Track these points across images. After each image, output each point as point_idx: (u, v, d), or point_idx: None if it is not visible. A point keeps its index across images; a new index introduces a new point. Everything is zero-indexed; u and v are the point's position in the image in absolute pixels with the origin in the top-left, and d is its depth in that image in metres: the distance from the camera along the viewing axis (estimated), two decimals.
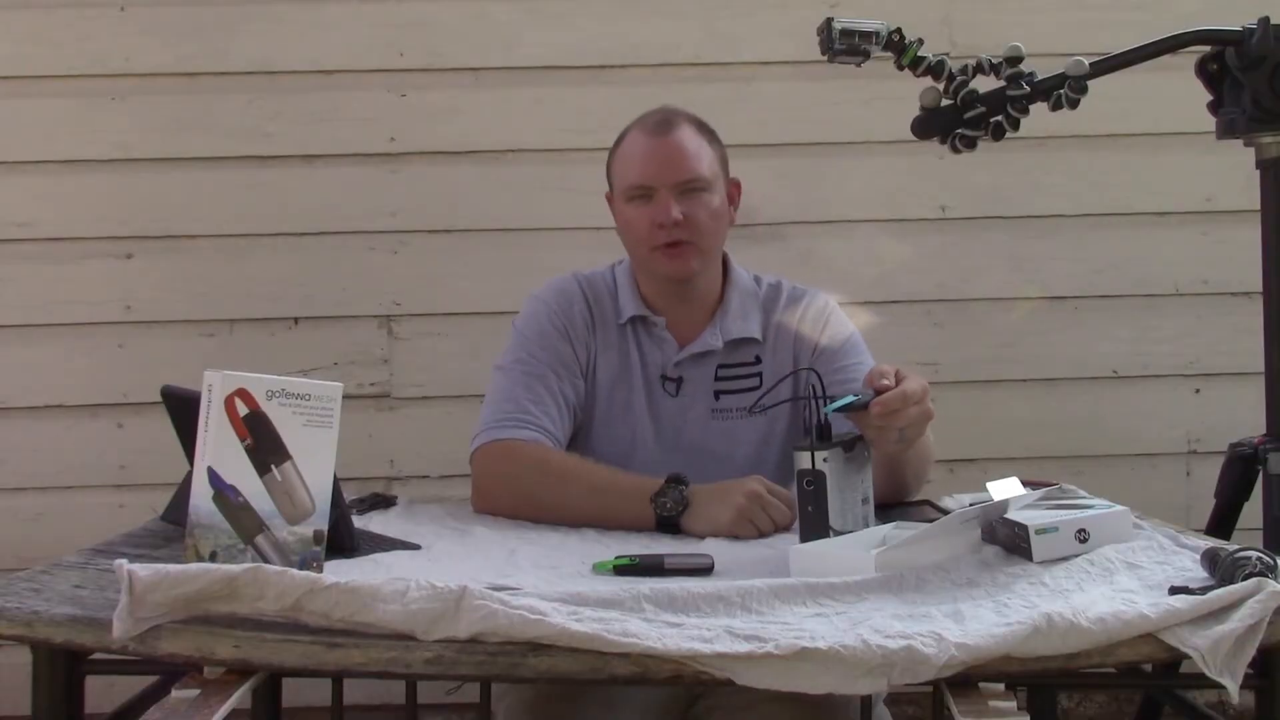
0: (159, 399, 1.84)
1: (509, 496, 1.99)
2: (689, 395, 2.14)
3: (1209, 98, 1.98)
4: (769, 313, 2.19)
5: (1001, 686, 1.30)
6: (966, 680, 1.28)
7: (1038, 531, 1.51)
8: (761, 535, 1.82)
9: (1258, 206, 1.96)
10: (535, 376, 2.09)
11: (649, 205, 2.07)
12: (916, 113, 1.93)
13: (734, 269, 2.21)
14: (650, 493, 1.88)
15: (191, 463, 1.46)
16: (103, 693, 1.46)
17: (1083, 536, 1.54)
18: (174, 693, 1.30)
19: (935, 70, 1.91)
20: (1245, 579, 1.32)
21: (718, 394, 2.14)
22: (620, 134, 2.17)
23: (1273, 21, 1.88)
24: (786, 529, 1.82)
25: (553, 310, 2.15)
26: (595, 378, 2.14)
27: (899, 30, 1.89)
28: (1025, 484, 1.66)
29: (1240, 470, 2.01)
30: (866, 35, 1.87)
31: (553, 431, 2.05)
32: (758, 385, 2.14)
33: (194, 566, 1.31)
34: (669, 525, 1.86)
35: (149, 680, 1.50)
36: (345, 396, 1.50)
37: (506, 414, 2.05)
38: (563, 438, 2.08)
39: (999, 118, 1.92)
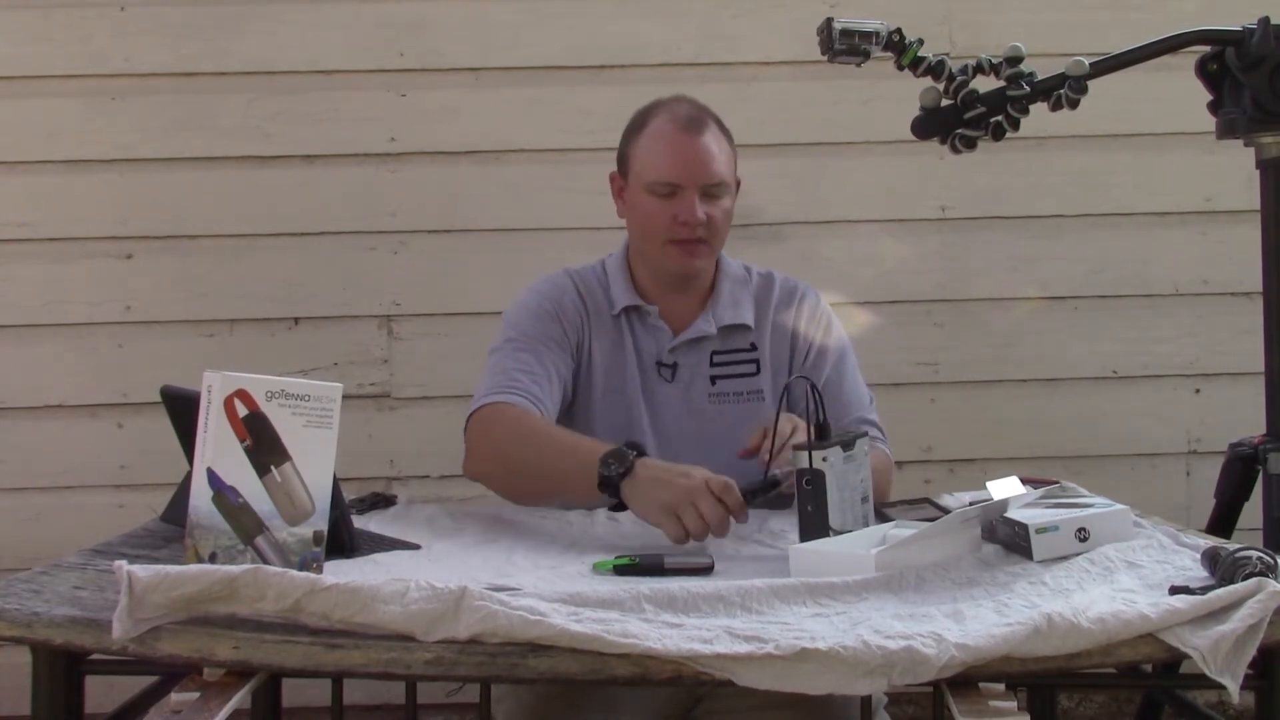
0: (159, 399, 1.84)
1: (491, 460, 2.01)
2: (685, 381, 2.16)
3: (1209, 98, 1.98)
4: (761, 302, 2.21)
5: (1002, 686, 1.30)
6: (967, 680, 1.28)
7: (1038, 530, 1.51)
8: (688, 537, 1.69)
9: (1258, 206, 1.96)
10: (525, 350, 2.10)
11: (673, 201, 2.09)
12: (916, 113, 1.93)
13: (723, 258, 2.23)
14: (597, 451, 1.82)
15: (191, 463, 1.46)
16: (103, 693, 1.46)
17: (1083, 535, 1.54)
18: (173, 695, 1.30)
19: (935, 70, 1.91)
20: (1245, 579, 1.32)
21: (714, 379, 2.15)
22: (640, 115, 2.17)
23: (1273, 21, 1.88)
24: (719, 535, 1.69)
25: (543, 295, 2.18)
26: (590, 364, 2.16)
27: (899, 30, 1.89)
28: (1025, 482, 1.66)
29: (1240, 470, 2.01)
30: (866, 35, 1.87)
31: (540, 398, 2.05)
32: (755, 371, 2.16)
33: (193, 567, 1.31)
34: (611, 488, 1.78)
35: (149, 680, 1.50)
36: (345, 396, 1.50)
37: (497, 384, 2.06)
38: (552, 405, 2.08)
39: (999, 118, 1.92)
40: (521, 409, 2.01)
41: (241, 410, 1.42)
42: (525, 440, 1.97)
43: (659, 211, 2.10)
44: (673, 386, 2.16)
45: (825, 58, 1.91)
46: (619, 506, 1.83)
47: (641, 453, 1.80)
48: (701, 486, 1.69)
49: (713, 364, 2.16)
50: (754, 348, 2.18)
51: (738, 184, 2.19)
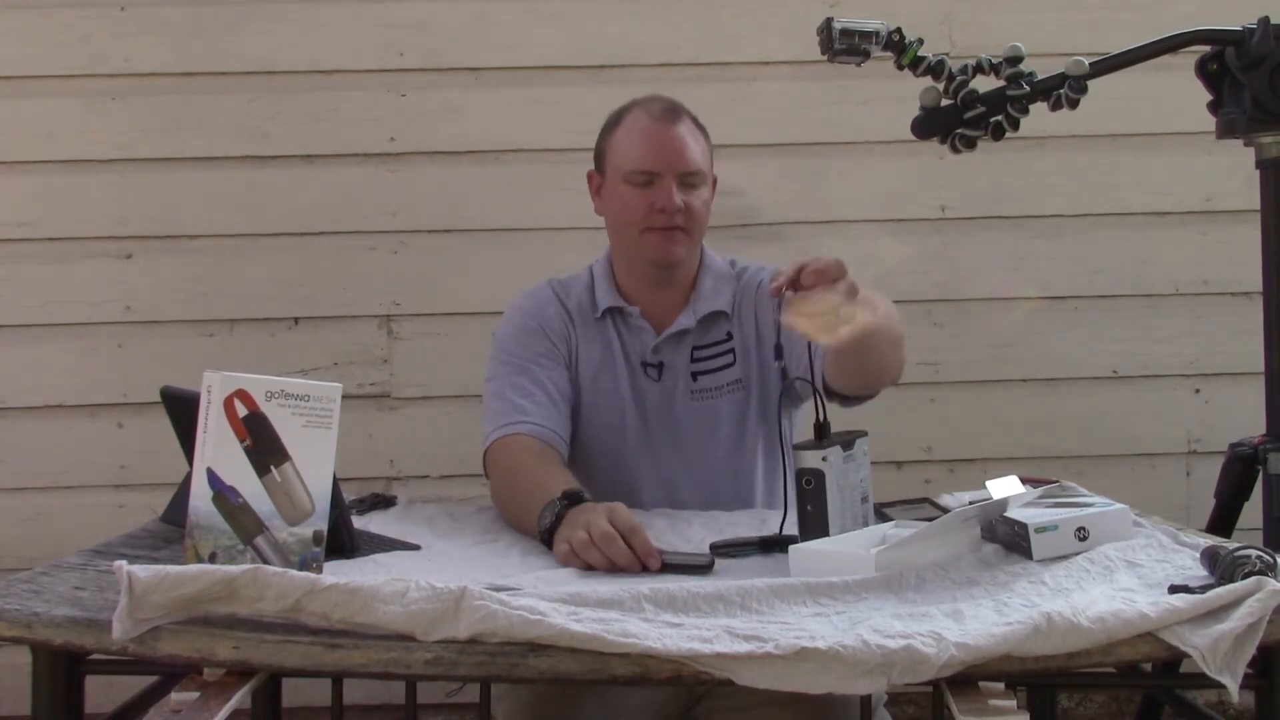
0: (159, 399, 1.84)
1: (497, 501, 2.03)
2: (670, 379, 2.16)
3: (1209, 98, 1.98)
4: (738, 290, 2.20)
5: (1001, 686, 1.30)
6: (967, 680, 1.28)
7: (1037, 530, 1.51)
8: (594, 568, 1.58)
9: (1258, 206, 1.96)
10: (519, 372, 2.11)
11: (650, 190, 2.09)
12: (916, 113, 1.93)
13: (708, 253, 2.23)
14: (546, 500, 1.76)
15: (191, 463, 1.46)
16: (103, 693, 1.46)
17: (1082, 534, 1.54)
18: (173, 695, 1.30)
19: (935, 70, 1.91)
20: (1245, 577, 1.32)
21: (695, 375, 2.15)
22: (615, 114, 2.18)
23: (1273, 21, 1.88)
24: (626, 569, 1.57)
25: (526, 312, 2.18)
26: (578, 370, 2.16)
27: (899, 30, 1.89)
28: (1025, 482, 1.66)
29: (1240, 470, 2.01)
30: (866, 35, 1.87)
31: (543, 419, 2.05)
32: (732, 362, 2.16)
33: (193, 568, 1.31)
34: (548, 544, 1.71)
35: (149, 680, 1.50)
36: (345, 396, 1.50)
37: (501, 415, 2.06)
38: (560, 423, 2.08)
39: (999, 118, 1.92)
40: (528, 439, 2.01)
41: (241, 410, 1.42)
42: (510, 483, 1.96)
43: (637, 201, 2.10)
44: (659, 386, 2.16)
45: (825, 58, 1.91)
46: None
47: (575, 501, 1.72)
48: (611, 533, 1.58)
49: (693, 359, 2.16)
50: (730, 337, 2.17)
51: (714, 181, 2.19)
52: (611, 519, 1.60)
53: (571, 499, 1.72)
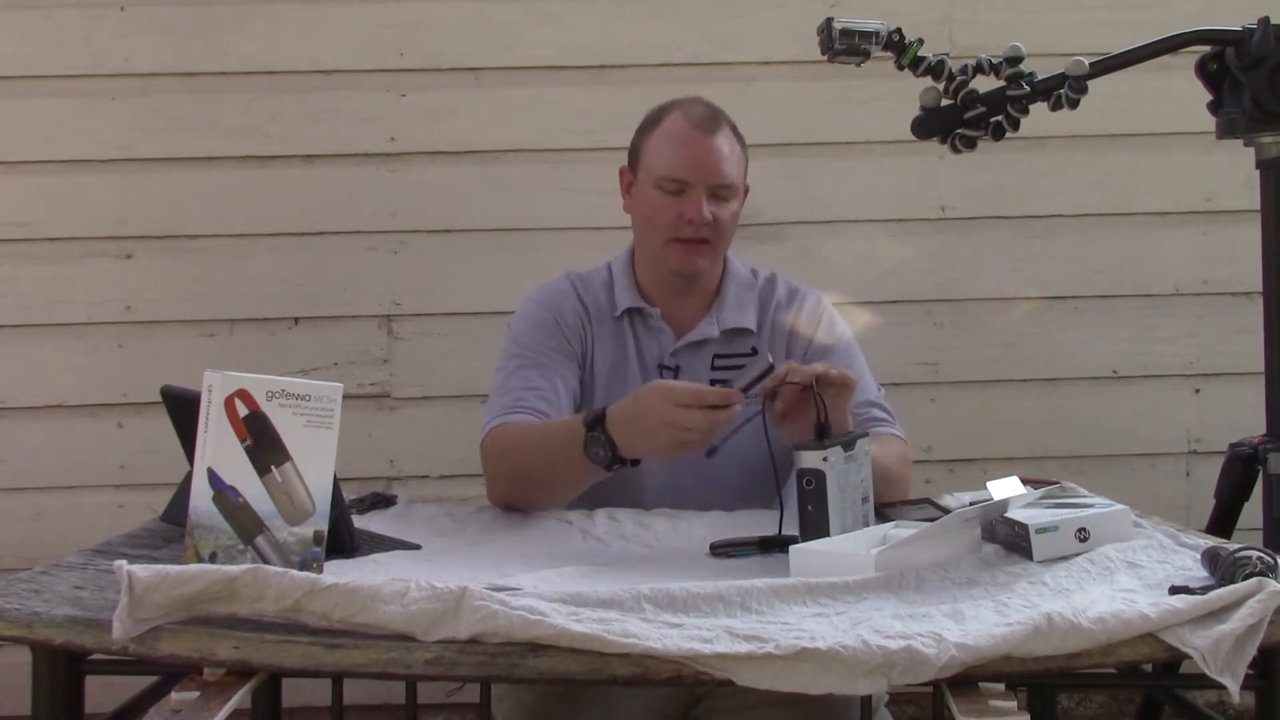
0: (159, 399, 1.84)
1: (503, 483, 2.01)
2: None
3: (1209, 98, 1.98)
4: (765, 305, 2.21)
5: (1002, 686, 1.30)
6: (967, 680, 1.28)
7: (1038, 530, 1.51)
8: (702, 446, 1.72)
9: (1258, 206, 1.96)
10: (528, 364, 2.10)
11: (680, 198, 2.08)
12: (916, 113, 1.93)
13: (731, 261, 2.23)
14: (579, 440, 1.80)
15: (191, 463, 1.46)
16: (103, 693, 1.46)
17: (1083, 535, 1.54)
18: (173, 695, 1.30)
19: (935, 70, 1.91)
20: (1246, 578, 1.32)
21: (714, 383, 2.15)
22: (656, 111, 2.17)
23: (1273, 21, 1.88)
24: (719, 431, 1.71)
25: (542, 306, 2.18)
26: (593, 368, 2.16)
27: (899, 30, 1.89)
28: (1025, 482, 1.66)
29: (1240, 470, 2.01)
30: (866, 35, 1.88)
31: (546, 411, 2.05)
32: None
33: (193, 567, 1.31)
34: (618, 464, 1.79)
35: (149, 680, 1.50)
36: (345, 396, 1.50)
37: (503, 406, 2.06)
38: (561, 415, 2.07)
39: (999, 118, 1.92)
40: (515, 424, 2.00)
41: (242, 410, 1.42)
42: (525, 447, 1.96)
43: (665, 208, 2.09)
44: None
45: (825, 58, 1.91)
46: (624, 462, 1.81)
47: (600, 419, 1.77)
48: (669, 409, 1.69)
49: (714, 368, 2.16)
50: (755, 352, 2.17)
51: (746, 189, 2.18)
52: (677, 402, 1.68)
53: (594, 420, 1.76)
